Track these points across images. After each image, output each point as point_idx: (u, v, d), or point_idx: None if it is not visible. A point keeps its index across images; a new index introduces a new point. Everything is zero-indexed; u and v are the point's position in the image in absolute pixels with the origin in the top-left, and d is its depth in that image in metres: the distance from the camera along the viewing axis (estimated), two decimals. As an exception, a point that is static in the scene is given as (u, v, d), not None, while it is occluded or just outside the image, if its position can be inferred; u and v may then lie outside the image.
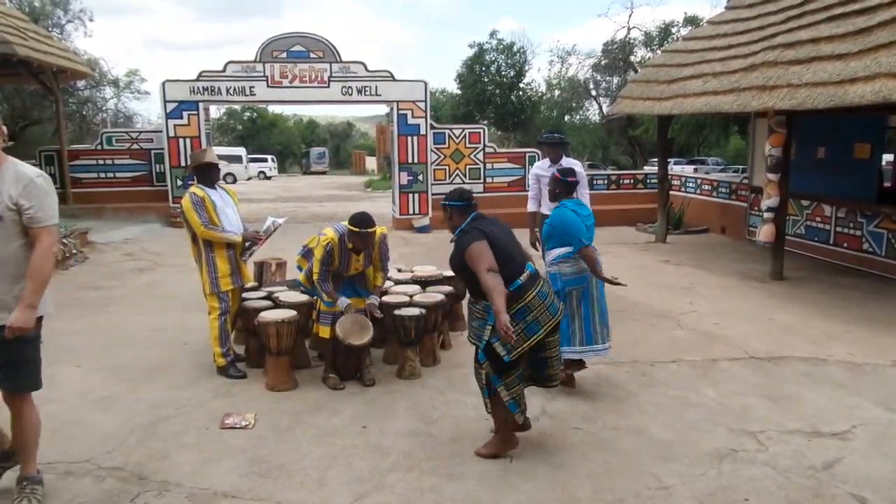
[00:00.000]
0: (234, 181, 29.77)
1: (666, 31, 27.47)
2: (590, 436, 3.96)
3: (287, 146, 51.34)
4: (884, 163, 11.90)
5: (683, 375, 5.00)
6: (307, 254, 5.06)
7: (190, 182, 5.27)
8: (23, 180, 2.91)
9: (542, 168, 6.40)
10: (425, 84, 13.00)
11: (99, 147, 13.50)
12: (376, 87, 12.83)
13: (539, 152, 12.03)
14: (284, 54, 12.58)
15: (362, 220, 4.42)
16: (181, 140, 12.64)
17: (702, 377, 4.96)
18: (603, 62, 29.30)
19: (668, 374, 5.03)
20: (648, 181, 14.34)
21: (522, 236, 5.21)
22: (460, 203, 3.69)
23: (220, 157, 5.51)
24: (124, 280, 8.35)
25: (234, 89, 12.59)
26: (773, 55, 7.80)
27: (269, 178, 37.11)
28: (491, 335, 3.47)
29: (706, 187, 13.12)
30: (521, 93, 30.64)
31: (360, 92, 12.79)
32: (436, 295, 5.32)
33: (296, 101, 13.48)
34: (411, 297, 5.23)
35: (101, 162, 13.43)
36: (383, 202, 17.65)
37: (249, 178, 34.42)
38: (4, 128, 3.05)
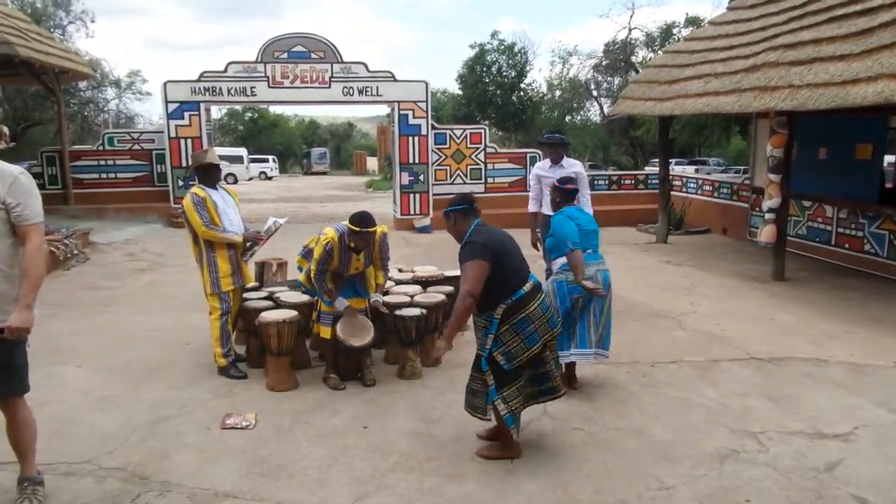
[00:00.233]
0: (236, 181, 29.75)
1: (667, 31, 27.47)
2: (591, 436, 3.96)
3: (288, 146, 51.36)
4: (885, 164, 11.89)
5: (684, 376, 4.99)
6: (308, 254, 5.05)
7: (191, 182, 5.27)
8: (7, 178, 2.88)
9: (543, 168, 6.40)
10: (426, 84, 13.02)
11: (100, 148, 13.54)
12: (377, 88, 12.85)
13: (540, 153, 12.03)
14: (286, 55, 12.60)
15: (363, 220, 4.41)
16: (182, 140, 12.66)
17: (703, 378, 4.96)
18: (604, 63, 29.28)
19: (668, 374, 5.03)
20: (649, 181, 14.36)
21: (523, 236, 5.23)
22: (462, 206, 3.68)
23: (222, 158, 5.50)
24: (125, 280, 8.35)
25: (236, 90, 12.61)
26: (775, 56, 7.79)
27: (270, 178, 37.13)
28: (492, 344, 3.49)
29: (707, 188, 13.12)
30: (522, 93, 30.69)
31: (361, 92, 12.81)
32: (436, 295, 5.32)
33: (297, 101, 13.51)
34: (412, 297, 5.23)
35: (102, 162, 13.46)
36: (384, 202, 17.66)
37: (250, 179, 34.43)
38: (6, 129, 3.05)
